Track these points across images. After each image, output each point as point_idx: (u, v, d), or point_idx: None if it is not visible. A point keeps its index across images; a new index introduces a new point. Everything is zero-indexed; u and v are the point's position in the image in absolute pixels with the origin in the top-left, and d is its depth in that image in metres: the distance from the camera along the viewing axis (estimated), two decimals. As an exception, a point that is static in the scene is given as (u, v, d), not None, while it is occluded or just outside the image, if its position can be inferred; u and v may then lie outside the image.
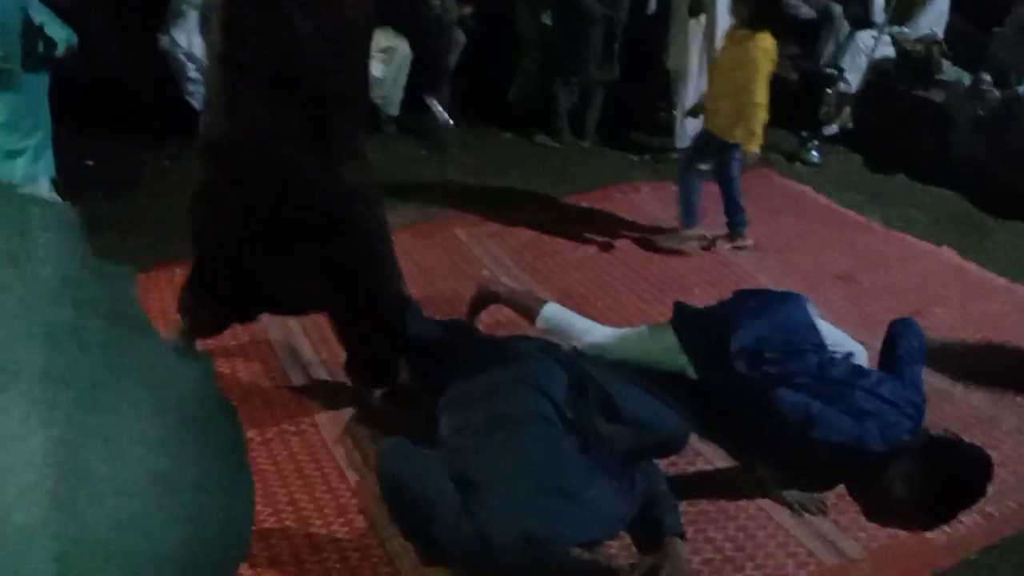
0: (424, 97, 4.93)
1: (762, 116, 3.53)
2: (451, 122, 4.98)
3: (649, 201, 4.37)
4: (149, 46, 4.38)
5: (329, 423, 2.59)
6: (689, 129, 4.65)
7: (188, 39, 4.32)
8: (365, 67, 2.31)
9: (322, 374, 2.81)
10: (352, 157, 2.25)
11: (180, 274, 2.84)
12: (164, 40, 4.33)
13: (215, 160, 2.20)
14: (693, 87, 4.67)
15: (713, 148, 3.78)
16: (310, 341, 2.97)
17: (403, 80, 4.92)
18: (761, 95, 3.50)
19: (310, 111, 2.11)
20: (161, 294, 3.07)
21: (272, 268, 2.31)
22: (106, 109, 4.50)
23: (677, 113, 4.84)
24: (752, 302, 2.70)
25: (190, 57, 4.33)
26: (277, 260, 2.30)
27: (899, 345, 2.58)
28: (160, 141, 4.50)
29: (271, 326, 3.05)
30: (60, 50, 3.13)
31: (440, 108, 4.92)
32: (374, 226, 2.38)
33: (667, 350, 2.63)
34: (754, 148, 3.57)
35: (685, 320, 2.62)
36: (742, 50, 3.53)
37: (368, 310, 2.45)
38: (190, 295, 2.53)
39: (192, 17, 4.32)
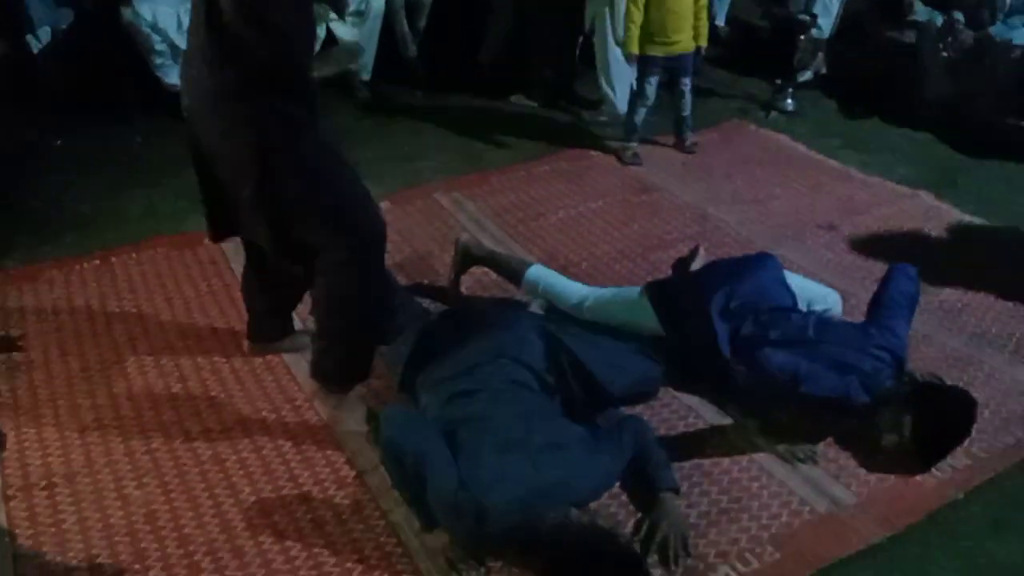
0: None
1: None
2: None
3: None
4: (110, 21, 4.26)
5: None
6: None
7: (152, 10, 4.18)
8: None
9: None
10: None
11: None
12: (127, 13, 4.20)
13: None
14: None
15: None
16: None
17: (375, 43, 4.84)
18: None
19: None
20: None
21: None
22: (72, 87, 4.42)
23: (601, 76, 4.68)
24: (723, 267, 2.74)
25: (155, 29, 4.20)
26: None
27: (885, 290, 2.64)
28: (129, 118, 4.45)
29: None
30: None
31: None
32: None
33: (645, 317, 2.67)
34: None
35: (659, 294, 2.67)
36: None
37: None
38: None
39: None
